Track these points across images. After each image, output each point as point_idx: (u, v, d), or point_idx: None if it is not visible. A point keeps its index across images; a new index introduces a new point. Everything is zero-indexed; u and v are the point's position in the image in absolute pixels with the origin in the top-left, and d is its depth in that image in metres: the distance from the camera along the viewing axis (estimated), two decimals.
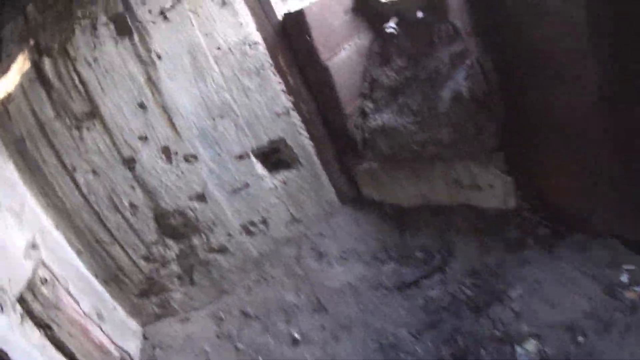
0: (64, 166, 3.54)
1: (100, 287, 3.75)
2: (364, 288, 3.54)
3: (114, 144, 3.43)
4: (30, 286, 3.18)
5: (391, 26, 3.54)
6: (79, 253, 3.68)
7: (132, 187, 3.46)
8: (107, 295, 3.76)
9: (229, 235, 3.58)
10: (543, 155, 3.03)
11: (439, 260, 3.54)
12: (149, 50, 3.42)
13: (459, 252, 3.58)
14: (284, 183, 3.61)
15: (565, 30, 2.40)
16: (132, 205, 3.47)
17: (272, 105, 3.50)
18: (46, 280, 3.41)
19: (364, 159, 3.71)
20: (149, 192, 3.46)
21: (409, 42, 3.75)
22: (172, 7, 3.39)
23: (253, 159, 3.54)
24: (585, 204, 2.90)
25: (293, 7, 3.57)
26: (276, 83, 3.48)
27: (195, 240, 3.56)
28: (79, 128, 3.49)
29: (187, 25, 3.44)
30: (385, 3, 3.67)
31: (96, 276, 3.72)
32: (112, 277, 3.64)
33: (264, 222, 3.62)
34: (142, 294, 3.68)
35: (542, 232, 3.25)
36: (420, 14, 3.57)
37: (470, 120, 3.40)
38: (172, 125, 3.42)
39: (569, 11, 2.32)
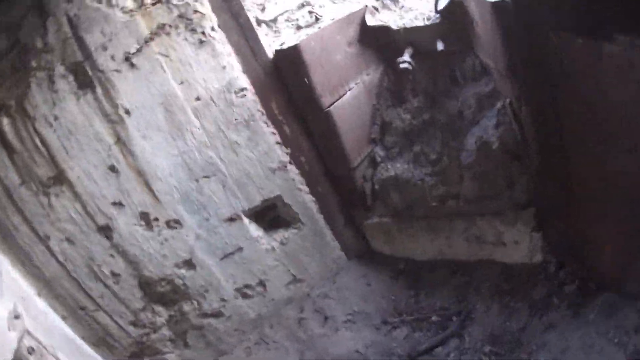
0: (37, 234, 2.82)
1: (90, 350, 3.15)
2: (373, 356, 2.84)
3: (86, 211, 2.71)
4: (17, 357, 2.66)
5: (405, 60, 2.60)
6: (64, 318, 3.04)
7: (112, 256, 2.73)
8: (98, 357, 3.14)
9: (223, 300, 2.88)
10: (579, 211, 2.38)
11: (456, 325, 2.82)
12: (115, 106, 2.64)
13: (478, 314, 2.85)
14: (283, 243, 2.80)
15: (626, 80, 1.74)
16: (114, 274, 2.75)
17: (265, 161, 2.66)
18: (33, 349, 2.83)
19: (374, 213, 2.83)
20: (130, 260, 2.72)
21: (426, 78, 2.83)
22: (139, 51, 2.59)
23: (245, 220, 2.75)
24: (620, 263, 2.31)
25: (287, 40, 2.59)
26: (269, 135, 2.61)
27: (186, 307, 2.85)
28: (46, 194, 2.74)
29: (158, 73, 2.63)
30: (397, 31, 2.70)
31: (84, 339, 3.06)
32: (100, 341, 2.98)
33: (262, 284, 2.88)
34: (134, 356, 2.96)
35: (568, 289, 2.59)
36: (440, 46, 2.63)
37: (499, 174, 2.66)
38: (150, 189, 2.66)
39: (633, 58, 1.65)
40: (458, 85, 2.80)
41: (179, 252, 2.80)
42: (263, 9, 2.75)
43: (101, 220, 2.75)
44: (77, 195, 2.74)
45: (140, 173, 2.68)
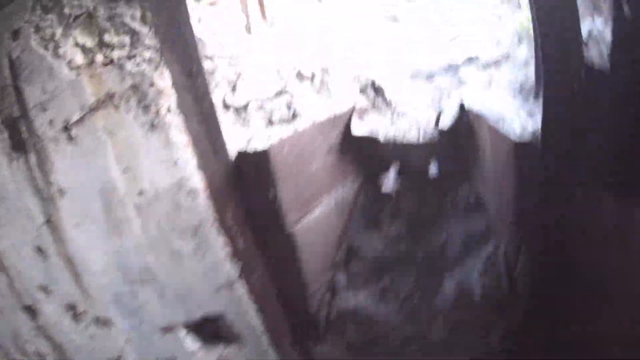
0: None
1: None
2: None
3: (13, 287, 2.25)
4: None
5: (390, 181, 1.79)
6: None
7: (37, 337, 2.12)
8: None
9: None
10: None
11: None
12: (48, 182, 2.03)
13: None
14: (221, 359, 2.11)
15: None
16: (39, 354, 2.26)
17: (211, 276, 2.03)
18: None
19: (326, 342, 2.13)
20: (56, 345, 2.27)
21: (410, 203, 2.08)
22: (81, 121, 1.96)
23: (182, 332, 2.17)
24: None
25: (255, 137, 1.82)
26: (219, 248, 1.94)
27: None
28: None
29: (100, 153, 1.99)
30: (385, 145, 1.89)
31: None
32: None
33: None
34: None
35: None
36: (434, 170, 1.86)
37: (476, 324, 2.15)
38: (79, 282, 2.05)
39: None
40: (445, 217, 2.06)
41: (107, 351, 2.26)
42: (234, 88, 1.97)
43: (27, 300, 2.23)
44: (3, 267, 2.22)
45: (70, 262, 2.07)
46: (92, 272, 2.10)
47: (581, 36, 1.71)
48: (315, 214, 2.11)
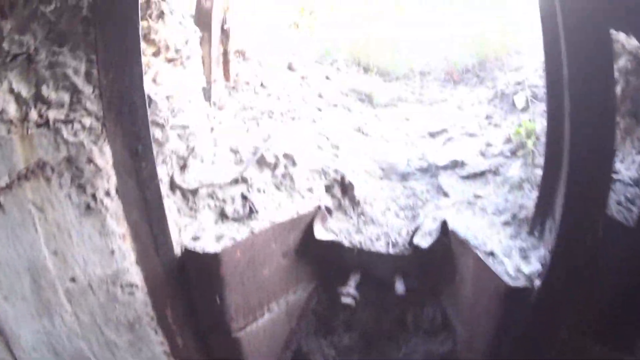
0: None
1: None
2: None
3: None
4: None
5: (349, 294, 1.45)
6: None
7: None
8: None
9: None
10: None
11: None
12: None
13: None
14: None
15: None
16: None
17: None
18: None
19: None
20: None
21: (369, 314, 1.72)
22: (9, 187, 1.61)
23: None
24: None
25: (204, 232, 1.45)
26: (157, 344, 1.66)
27: None
28: None
29: (29, 230, 1.65)
30: (350, 249, 1.52)
31: None
32: None
33: None
34: None
35: None
36: (400, 288, 1.48)
37: None
38: (11, 353, 1.72)
39: None
40: (406, 333, 1.69)
41: None
42: (183, 167, 1.57)
43: None
44: None
45: (1, 332, 1.70)
46: (23, 346, 1.82)
47: (611, 175, 1.27)
48: (263, 320, 1.78)
